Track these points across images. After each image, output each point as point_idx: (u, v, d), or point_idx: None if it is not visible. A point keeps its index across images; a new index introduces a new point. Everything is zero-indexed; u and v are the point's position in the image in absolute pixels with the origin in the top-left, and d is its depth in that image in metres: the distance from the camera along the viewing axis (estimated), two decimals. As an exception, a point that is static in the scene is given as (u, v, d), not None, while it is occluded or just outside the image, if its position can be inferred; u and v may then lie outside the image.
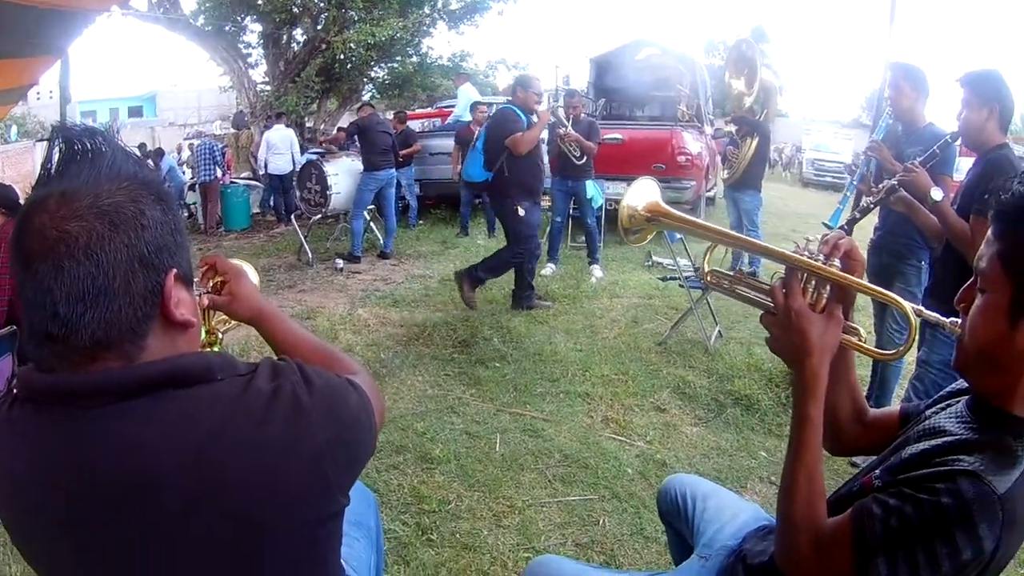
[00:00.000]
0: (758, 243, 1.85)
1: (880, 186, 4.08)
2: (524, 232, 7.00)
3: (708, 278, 1.84)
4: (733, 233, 1.86)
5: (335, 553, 1.31)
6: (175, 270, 1.14)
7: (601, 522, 3.66)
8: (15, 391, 1.15)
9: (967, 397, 1.51)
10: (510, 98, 7.37)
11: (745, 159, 8.72)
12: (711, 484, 2.38)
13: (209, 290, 1.66)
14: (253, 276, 1.80)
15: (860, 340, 1.63)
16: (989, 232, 1.39)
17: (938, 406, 1.62)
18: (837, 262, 1.56)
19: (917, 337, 1.57)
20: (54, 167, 1.08)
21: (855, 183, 4.62)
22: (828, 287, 1.56)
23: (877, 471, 1.52)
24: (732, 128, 9.40)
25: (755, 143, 8.70)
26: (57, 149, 1.09)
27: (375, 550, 2.18)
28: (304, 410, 1.14)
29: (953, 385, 1.68)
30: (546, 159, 7.17)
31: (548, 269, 9.09)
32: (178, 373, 1.10)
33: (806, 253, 1.57)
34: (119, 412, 1.06)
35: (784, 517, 1.46)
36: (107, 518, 1.07)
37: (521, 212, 6.87)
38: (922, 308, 1.54)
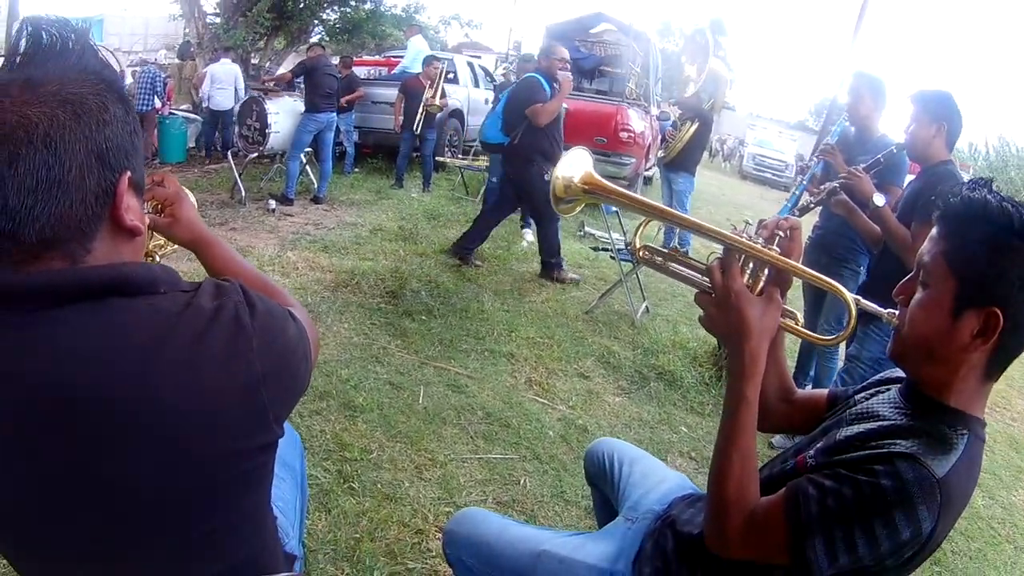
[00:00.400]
0: (696, 221, 1.80)
1: (823, 187, 4.17)
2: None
3: (640, 253, 1.82)
4: (670, 209, 1.85)
5: (265, 488, 1.28)
6: (129, 173, 1.11)
7: (522, 482, 3.69)
8: None
9: (900, 385, 1.55)
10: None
11: (682, 141, 8.85)
12: (639, 450, 2.41)
13: (150, 211, 1.62)
14: (192, 201, 1.77)
15: (797, 324, 1.65)
16: (934, 231, 1.44)
17: (867, 392, 1.66)
18: (776, 246, 1.58)
19: (853, 327, 1.59)
20: (20, 55, 1.03)
21: (805, 183, 4.68)
22: (766, 270, 1.57)
23: (811, 451, 1.54)
24: (676, 111, 9.50)
25: (694, 128, 8.82)
26: (25, 38, 1.04)
27: (300, 492, 2.16)
28: (245, 333, 1.11)
29: (883, 373, 1.72)
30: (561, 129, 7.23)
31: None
32: (121, 280, 1.07)
33: (745, 235, 1.58)
34: (59, 318, 1.02)
35: (716, 497, 1.48)
36: (35, 429, 1.02)
37: (547, 177, 6.86)
38: (860, 298, 1.56)
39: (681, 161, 8.97)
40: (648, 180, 15.65)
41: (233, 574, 1.26)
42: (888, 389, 1.60)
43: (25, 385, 1.01)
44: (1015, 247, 1.30)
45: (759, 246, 1.56)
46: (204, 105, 13.36)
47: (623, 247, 6.70)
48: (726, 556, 1.48)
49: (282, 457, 2.07)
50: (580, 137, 11.13)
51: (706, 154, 10.32)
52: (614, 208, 7.16)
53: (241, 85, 13.13)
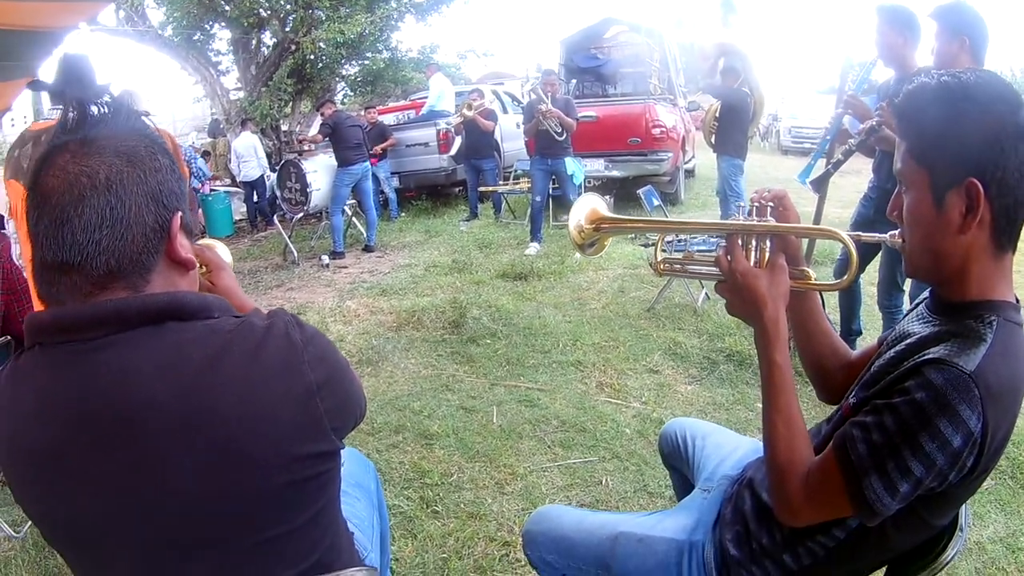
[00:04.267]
0: (696, 222, 1.94)
1: (858, 129, 4.08)
2: None
3: (661, 267, 1.91)
4: (673, 220, 1.93)
5: (331, 495, 1.31)
6: (180, 213, 1.20)
7: (604, 481, 3.68)
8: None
9: (927, 298, 1.54)
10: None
11: (708, 124, 8.82)
12: (710, 424, 2.41)
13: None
14: (225, 255, 1.85)
15: (808, 280, 1.68)
16: (897, 138, 1.44)
17: (906, 318, 1.64)
18: (770, 217, 1.61)
19: (856, 265, 1.60)
20: (70, 124, 1.15)
21: (828, 140, 4.57)
22: (768, 241, 1.60)
23: (852, 392, 1.56)
24: (707, 98, 9.50)
25: (714, 108, 8.82)
26: (72, 111, 1.15)
27: (377, 513, 2.20)
28: (296, 346, 1.17)
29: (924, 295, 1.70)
30: None
31: (532, 248, 9.13)
32: (177, 306, 1.14)
33: (740, 217, 1.63)
34: (118, 342, 1.10)
35: (771, 466, 1.49)
36: (102, 448, 1.09)
37: None
38: (860, 233, 1.58)
39: (718, 145, 8.89)
40: (691, 172, 15.57)
41: None
42: (919, 306, 1.58)
43: (94, 405, 1.09)
44: (964, 111, 1.29)
45: (752, 222, 1.60)
46: (238, 179, 13.71)
47: (672, 239, 6.66)
48: (797, 523, 1.48)
49: (356, 477, 2.16)
50: (614, 142, 11.22)
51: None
52: (656, 202, 7.16)
53: (262, 153, 13.46)
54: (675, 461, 2.42)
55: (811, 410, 3.74)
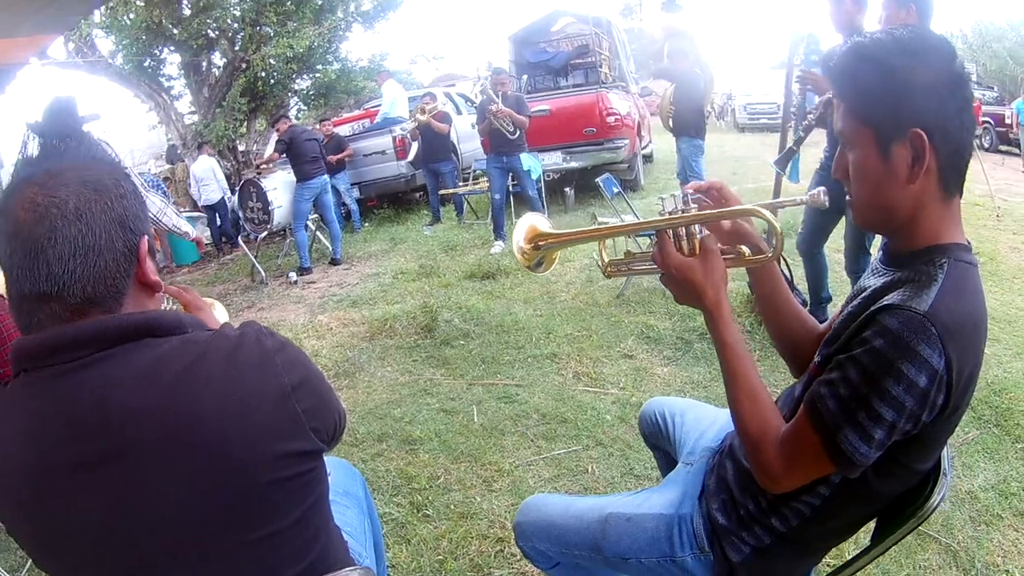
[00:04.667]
0: (630, 224, 1.94)
1: (817, 103, 4.13)
2: None
3: (608, 270, 1.94)
4: (608, 226, 1.92)
5: (318, 497, 1.33)
6: (146, 237, 1.24)
7: (590, 469, 3.72)
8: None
9: (880, 253, 1.58)
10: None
11: (665, 108, 8.85)
12: (688, 400, 2.44)
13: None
14: (222, 314, 1.88)
15: (743, 257, 1.71)
16: (835, 100, 1.48)
17: (864, 274, 1.69)
18: (693, 205, 1.65)
19: (780, 236, 1.63)
20: (32, 156, 1.20)
21: (802, 127, 4.60)
22: (698, 229, 1.64)
23: (817, 353, 1.60)
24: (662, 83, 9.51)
25: (669, 92, 8.85)
26: (31, 141, 1.20)
27: (368, 520, 2.21)
28: (268, 351, 1.22)
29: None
30: None
31: (496, 247, 9.16)
32: (153, 324, 1.19)
33: (667, 211, 1.66)
34: (100, 360, 1.14)
35: (745, 441, 1.53)
36: (91, 463, 1.12)
37: None
38: (782, 199, 1.68)
39: (677, 126, 8.92)
40: (648, 158, 15.64)
41: None
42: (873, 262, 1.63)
43: (80, 422, 1.12)
44: (900, 65, 1.33)
45: (678, 215, 1.64)
46: (200, 204, 13.60)
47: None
48: (781, 490, 1.52)
49: (343, 486, 2.18)
50: (570, 133, 11.24)
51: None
52: (616, 189, 7.19)
53: (221, 175, 13.36)
54: (657, 440, 2.45)
55: (789, 379, 3.78)
